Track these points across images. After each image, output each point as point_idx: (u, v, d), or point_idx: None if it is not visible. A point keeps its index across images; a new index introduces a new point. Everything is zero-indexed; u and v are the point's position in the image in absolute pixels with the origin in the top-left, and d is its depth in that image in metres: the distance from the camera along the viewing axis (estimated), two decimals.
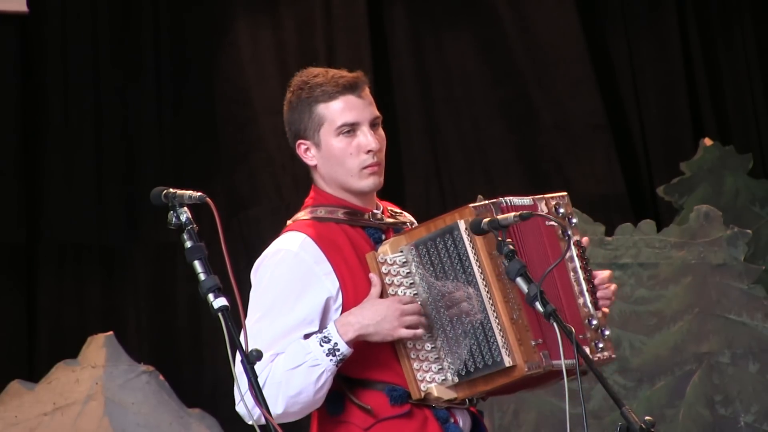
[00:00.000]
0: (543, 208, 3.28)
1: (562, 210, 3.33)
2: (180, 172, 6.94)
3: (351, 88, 3.30)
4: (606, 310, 3.33)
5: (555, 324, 2.98)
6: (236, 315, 2.80)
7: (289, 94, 3.35)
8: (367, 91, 3.34)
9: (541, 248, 3.26)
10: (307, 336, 3.18)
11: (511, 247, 3.07)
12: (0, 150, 6.77)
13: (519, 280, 3.05)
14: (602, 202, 7.23)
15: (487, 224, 3.11)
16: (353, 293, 3.22)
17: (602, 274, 3.34)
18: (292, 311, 3.18)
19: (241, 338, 2.85)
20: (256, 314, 3.20)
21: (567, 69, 7.42)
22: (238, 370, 2.83)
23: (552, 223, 3.26)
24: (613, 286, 3.35)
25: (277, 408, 3.12)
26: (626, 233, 6.66)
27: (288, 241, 3.26)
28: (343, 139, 3.29)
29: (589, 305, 3.29)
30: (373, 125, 3.31)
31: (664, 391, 6.49)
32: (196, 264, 2.83)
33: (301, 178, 6.95)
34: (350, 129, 3.28)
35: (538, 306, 3.00)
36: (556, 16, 7.48)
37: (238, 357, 2.78)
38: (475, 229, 3.14)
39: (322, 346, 3.13)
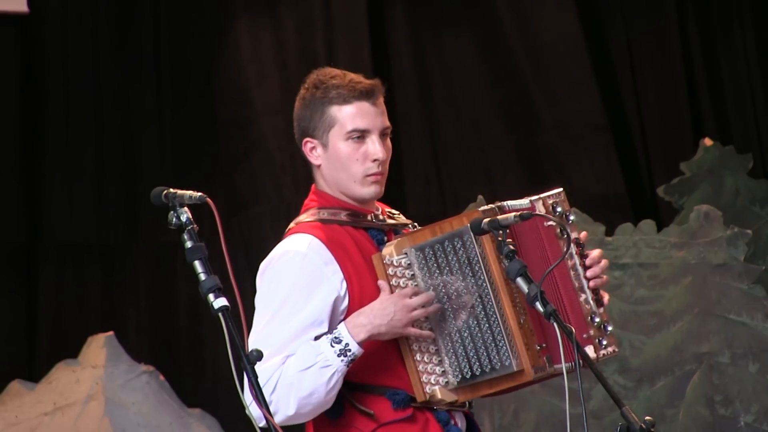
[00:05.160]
0: (540, 208, 3.26)
1: (559, 208, 3.32)
2: (180, 172, 6.94)
3: (367, 95, 3.29)
4: (604, 295, 3.31)
5: (555, 324, 2.97)
6: (236, 315, 2.79)
7: (303, 90, 3.34)
8: (381, 99, 3.33)
9: (540, 248, 3.25)
10: (317, 337, 3.18)
11: (511, 247, 3.06)
12: (0, 150, 6.77)
13: (519, 280, 3.04)
14: (602, 202, 7.22)
15: (487, 224, 3.11)
16: (359, 294, 3.21)
17: (593, 252, 3.32)
18: (302, 312, 3.17)
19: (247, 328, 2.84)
20: (266, 316, 3.19)
21: (567, 69, 7.42)
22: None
23: (551, 223, 3.25)
24: (604, 262, 3.31)
25: (288, 409, 3.12)
26: (626, 233, 6.66)
27: (295, 242, 3.25)
28: (351, 144, 3.28)
29: (591, 302, 3.28)
30: (382, 135, 3.31)
31: (664, 391, 6.48)
32: (197, 264, 2.83)
33: (301, 178, 6.95)
34: (360, 135, 3.28)
35: (539, 306, 2.99)
36: (556, 16, 7.48)
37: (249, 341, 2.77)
38: (475, 229, 3.13)
39: (333, 346, 3.13)
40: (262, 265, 3.27)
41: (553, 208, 3.31)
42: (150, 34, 7.11)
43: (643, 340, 6.52)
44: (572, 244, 3.28)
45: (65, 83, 6.94)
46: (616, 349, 3.28)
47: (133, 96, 7.06)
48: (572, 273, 3.29)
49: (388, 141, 3.34)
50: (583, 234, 3.33)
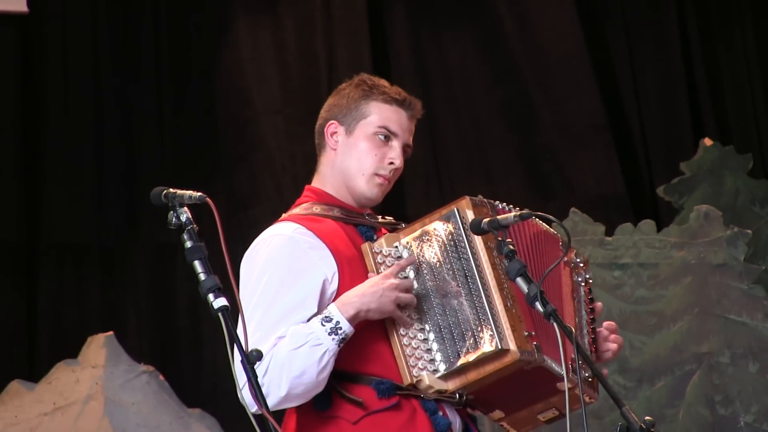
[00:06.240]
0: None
1: (578, 259, 3.38)
2: (180, 172, 6.94)
3: (408, 105, 3.41)
4: (610, 352, 3.37)
5: (555, 323, 2.97)
6: (236, 315, 2.80)
7: (344, 85, 3.44)
8: (415, 121, 3.43)
9: (556, 279, 3.31)
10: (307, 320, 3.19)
11: (511, 247, 3.07)
12: (0, 150, 6.77)
13: (519, 280, 3.04)
14: (602, 202, 7.22)
15: (487, 224, 3.12)
16: (350, 278, 3.24)
17: (609, 324, 3.42)
18: (289, 293, 3.20)
19: (240, 333, 2.84)
20: (253, 298, 3.21)
21: (567, 69, 7.41)
22: (238, 364, 2.82)
23: (553, 223, 3.27)
24: (619, 339, 3.41)
25: (280, 390, 3.13)
26: (626, 233, 6.66)
27: (281, 227, 3.30)
28: (375, 139, 3.36)
29: (585, 342, 3.31)
30: (404, 149, 3.39)
31: (664, 391, 6.48)
32: (196, 264, 2.83)
33: (301, 178, 6.94)
34: (387, 136, 3.37)
35: (538, 306, 2.99)
36: (556, 16, 7.48)
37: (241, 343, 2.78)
38: (475, 229, 3.14)
39: (323, 325, 3.14)
40: (248, 250, 3.32)
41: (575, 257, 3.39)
42: (150, 34, 7.10)
43: (643, 340, 6.52)
44: (583, 292, 3.34)
45: (65, 83, 6.93)
46: (593, 399, 3.29)
47: (133, 96, 7.05)
48: (576, 313, 3.33)
49: (403, 160, 3.39)
50: (599, 304, 3.43)
